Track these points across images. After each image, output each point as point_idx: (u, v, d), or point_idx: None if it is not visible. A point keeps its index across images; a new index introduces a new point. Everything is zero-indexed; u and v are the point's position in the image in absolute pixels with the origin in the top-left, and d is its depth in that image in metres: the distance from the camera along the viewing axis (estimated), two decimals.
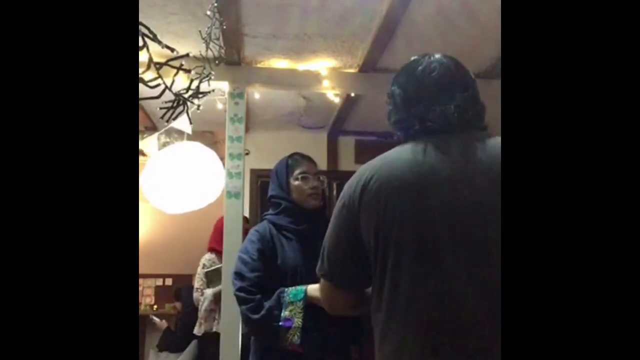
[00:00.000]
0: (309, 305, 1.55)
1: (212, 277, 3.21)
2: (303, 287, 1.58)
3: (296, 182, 1.71)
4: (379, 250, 0.98)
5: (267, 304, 1.55)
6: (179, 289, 4.50)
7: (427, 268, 0.95)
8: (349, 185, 1.05)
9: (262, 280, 1.60)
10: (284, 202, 1.72)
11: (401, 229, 0.96)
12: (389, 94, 1.14)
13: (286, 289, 1.59)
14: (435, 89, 1.06)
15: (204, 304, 3.28)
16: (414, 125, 1.06)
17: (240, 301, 1.59)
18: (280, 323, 1.53)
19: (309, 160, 1.79)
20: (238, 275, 1.62)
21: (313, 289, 1.56)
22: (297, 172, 1.72)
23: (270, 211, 1.77)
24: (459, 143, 1.02)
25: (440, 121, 1.03)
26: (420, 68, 1.10)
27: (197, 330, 3.37)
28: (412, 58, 1.15)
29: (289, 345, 1.52)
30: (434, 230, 0.95)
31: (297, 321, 1.53)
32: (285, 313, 1.54)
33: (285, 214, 1.71)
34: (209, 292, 3.23)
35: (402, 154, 1.04)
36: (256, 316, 1.55)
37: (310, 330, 1.54)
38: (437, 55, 1.12)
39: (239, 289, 1.59)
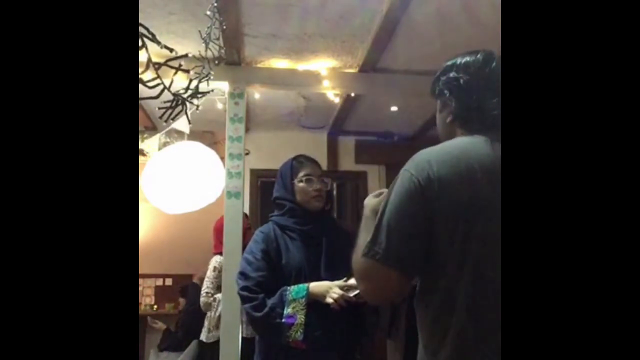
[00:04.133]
0: (312, 303, 1.57)
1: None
2: (305, 285, 1.60)
3: (300, 184, 1.74)
4: (455, 244, 0.96)
5: (269, 302, 1.58)
6: (185, 286, 4.47)
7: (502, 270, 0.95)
8: (419, 169, 1.00)
9: (265, 279, 1.62)
10: (288, 204, 1.74)
11: (485, 225, 0.95)
12: (449, 78, 1.11)
13: (289, 287, 1.61)
14: None
15: (217, 310, 3.13)
16: (493, 116, 1.04)
17: (244, 300, 1.61)
18: (283, 320, 1.55)
19: (314, 162, 1.81)
20: (242, 275, 1.65)
21: (315, 286, 1.59)
22: (301, 174, 1.75)
23: (275, 212, 1.80)
24: None
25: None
26: (495, 63, 1.09)
27: (206, 337, 3.26)
28: (480, 54, 1.12)
29: (292, 341, 1.54)
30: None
31: (300, 318, 1.55)
32: (287, 310, 1.56)
33: (290, 215, 1.74)
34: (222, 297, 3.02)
35: (476, 146, 1.02)
36: (259, 314, 1.57)
37: (313, 327, 1.56)
38: None
39: (243, 288, 1.62)
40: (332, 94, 3.26)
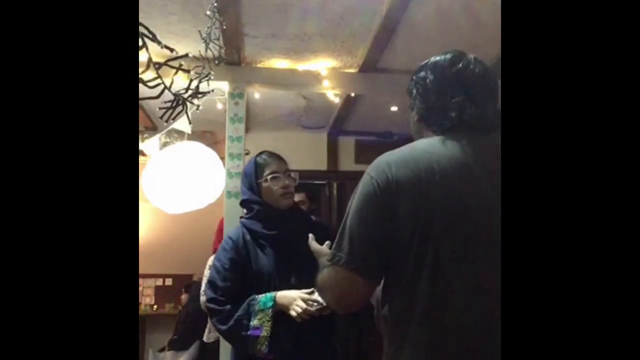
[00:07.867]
0: (279, 313, 1.51)
1: None
2: (272, 294, 1.54)
3: (266, 184, 1.65)
4: (412, 245, 0.95)
5: (236, 314, 1.53)
6: (190, 283, 4.45)
7: (465, 270, 0.94)
8: (379, 171, 1.00)
9: (233, 289, 1.56)
10: (257, 206, 1.67)
11: (443, 225, 0.94)
12: (419, 78, 1.10)
13: (257, 297, 1.55)
14: (475, 87, 1.05)
15: None
16: (451, 117, 1.03)
17: (211, 313, 1.57)
18: (249, 332, 1.50)
19: (278, 158, 1.73)
20: (210, 284, 1.59)
21: (282, 296, 1.52)
22: (266, 172, 1.66)
23: (245, 214, 1.73)
24: (490, 144, 1.00)
25: (475, 119, 1.01)
26: (461, 64, 1.07)
27: (207, 337, 3.27)
28: (449, 54, 1.10)
29: (259, 353, 1.50)
30: (473, 230, 0.95)
31: (266, 329, 1.50)
32: (254, 322, 1.51)
33: (258, 217, 1.66)
34: None
35: (437, 147, 1.01)
36: (225, 327, 1.53)
37: (280, 339, 1.50)
38: (474, 56, 1.10)
39: (210, 300, 1.57)
40: (332, 94, 3.26)
